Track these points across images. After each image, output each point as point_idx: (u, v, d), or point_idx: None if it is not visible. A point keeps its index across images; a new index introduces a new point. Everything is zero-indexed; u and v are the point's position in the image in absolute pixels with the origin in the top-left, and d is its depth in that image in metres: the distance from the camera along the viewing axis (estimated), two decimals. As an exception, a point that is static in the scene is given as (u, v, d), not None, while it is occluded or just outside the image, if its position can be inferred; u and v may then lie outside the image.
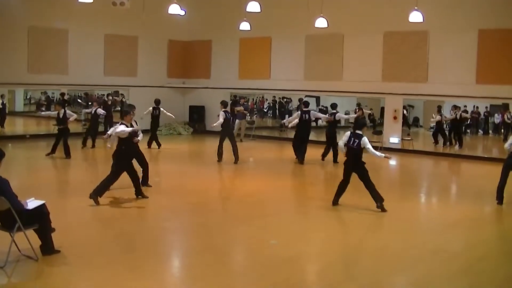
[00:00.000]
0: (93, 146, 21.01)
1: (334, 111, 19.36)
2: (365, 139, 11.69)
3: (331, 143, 19.02)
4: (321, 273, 8.31)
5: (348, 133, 11.93)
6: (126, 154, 12.02)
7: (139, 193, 12.26)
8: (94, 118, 21.14)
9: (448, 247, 9.55)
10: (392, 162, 19.03)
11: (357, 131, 11.81)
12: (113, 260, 8.28)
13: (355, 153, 11.75)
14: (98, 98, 26.70)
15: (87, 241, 9.20)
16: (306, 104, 19.31)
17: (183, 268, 8.50)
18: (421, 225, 11.50)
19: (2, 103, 28.31)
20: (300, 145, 18.89)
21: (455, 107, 24.98)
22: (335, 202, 12.18)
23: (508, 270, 8.49)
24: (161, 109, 21.49)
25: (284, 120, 20.53)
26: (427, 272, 8.19)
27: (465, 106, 33.84)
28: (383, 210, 11.66)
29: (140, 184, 12.43)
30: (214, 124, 17.84)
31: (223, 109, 18.07)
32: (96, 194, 11.56)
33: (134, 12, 24.38)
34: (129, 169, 12.04)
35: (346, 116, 21.53)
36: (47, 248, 8.14)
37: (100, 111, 20.93)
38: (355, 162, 11.82)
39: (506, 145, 12.64)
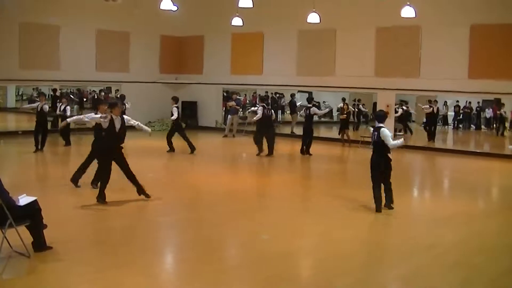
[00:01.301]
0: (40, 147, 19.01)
1: (310, 105, 19.49)
2: (384, 131, 10.98)
3: (306, 137, 19.47)
4: (314, 267, 8.28)
5: (371, 128, 11.54)
6: (107, 148, 11.54)
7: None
8: (41, 114, 18.85)
9: (441, 241, 9.54)
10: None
11: (379, 124, 11.19)
12: (106, 255, 8.23)
13: (377, 146, 11.16)
14: (66, 93, 26.02)
15: (79, 236, 9.14)
16: (309, 100, 20.12)
17: (176, 262, 8.45)
18: (415, 220, 11.48)
19: None
20: (304, 138, 19.49)
21: (430, 102, 25.39)
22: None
23: (502, 264, 8.47)
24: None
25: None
26: (421, 266, 8.18)
27: (457, 101, 34.07)
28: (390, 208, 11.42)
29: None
30: (255, 118, 18.76)
31: (261, 104, 18.85)
32: (100, 196, 11.35)
33: (126, 8, 24.35)
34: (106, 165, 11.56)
35: (319, 112, 21.19)
36: (39, 244, 8.07)
37: (46, 107, 19.17)
38: (379, 157, 11.21)
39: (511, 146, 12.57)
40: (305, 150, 19.30)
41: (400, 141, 11.20)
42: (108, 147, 11.51)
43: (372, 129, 11.45)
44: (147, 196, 11.80)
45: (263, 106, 18.92)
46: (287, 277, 7.65)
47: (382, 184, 11.27)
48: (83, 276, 7.39)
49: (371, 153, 11.43)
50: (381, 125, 11.14)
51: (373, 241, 9.50)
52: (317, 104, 31.91)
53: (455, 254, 8.87)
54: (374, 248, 9.11)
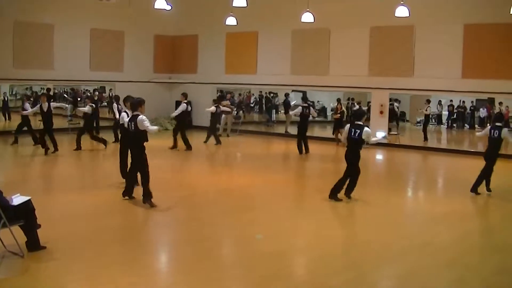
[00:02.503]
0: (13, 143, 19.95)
1: (306, 104, 19.82)
2: (367, 130, 11.77)
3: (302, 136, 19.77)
4: (308, 266, 8.29)
5: (348, 126, 12.02)
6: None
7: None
8: (23, 116, 19.69)
9: (435, 240, 9.57)
10: (379, 156, 19.09)
11: (357, 122, 11.91)
12: (101, 254, 8.20)
13: (355, 144, 11.86)
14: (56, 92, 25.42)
15: (73, 236, 9.12)
16: (305, 99, 20.49)
17: (170, 261, 8.45)
18: (409, 218, 11.52)
19: None
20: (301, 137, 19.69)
21: (429, 101, 25.44)
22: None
23: (495, 263, 8.50)
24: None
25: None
26: (415, 265, 8.20)
27: (451, 100, 34.14)
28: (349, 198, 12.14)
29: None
30: (292, 112, 19.84)
31: (303, 104, 19.44)
32: (147, 197, 11.29)
33: (120, 7, 24.29)
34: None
35: (292, 112, 21.62)
36: (33, 244, 8.05)
37: (28, 106, 19.30)
38: (353, 153, 11.94)
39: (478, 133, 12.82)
40: (304, 149, 19.41)
41: (380, 137, 12.61)
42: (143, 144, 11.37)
43: (348, 126, 12.00)
44: (132, 197, 11.75)
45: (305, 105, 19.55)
46: (281, 276, 7.66)
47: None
48: (77, 275, 7.37)
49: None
50: (360, 123, 11.87)
51: (367, 240, 9.51)
52: (311, 103, 32.00)
53: (449, 253, 8.89)
54: (367, 246, 9.11)
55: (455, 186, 14.98)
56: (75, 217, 10.56)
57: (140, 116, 11.05)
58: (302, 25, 22.00)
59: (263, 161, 18.75)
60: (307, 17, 19.90)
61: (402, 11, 17.89)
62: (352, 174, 12.10)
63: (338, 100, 24.90)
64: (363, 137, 11.70)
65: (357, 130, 11.72)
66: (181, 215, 11.10)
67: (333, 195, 12.08)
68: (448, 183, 16.17)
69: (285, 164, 18.78)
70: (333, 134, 23.83)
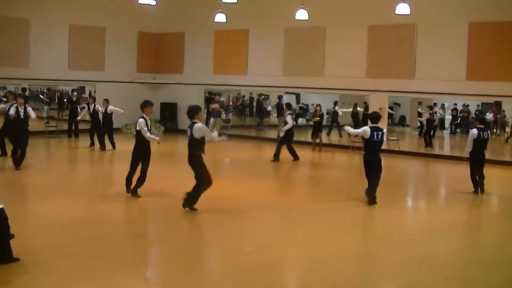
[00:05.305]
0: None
1: (290, 111, 20.07)
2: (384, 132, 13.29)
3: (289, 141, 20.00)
4: (301, 280, 8.30)
5: (367, 128, 12.93)
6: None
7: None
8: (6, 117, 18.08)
9: (435, 252, 9.62)
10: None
11: (375, 125, 12.90)
12: (78, 268, 8.18)
13: (378, 145, 12.97)
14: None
15: (49, 247, 9.08)
16: (289, 106, 20.77)
17: (153, 275, 8.44)
18: (407, 230, 11.57)
19: None
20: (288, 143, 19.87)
21: (431, 108, 25.61)
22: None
23: (497, 277, 8.56)
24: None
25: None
26: (413, 279, 8.24)
27: (455, 104, 34.26)
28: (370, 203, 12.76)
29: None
30: (284, 128, 19.54)
31: (288, 112, 19.63)
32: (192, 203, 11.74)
33: (102, 1, 24.24)
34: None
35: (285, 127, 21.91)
36: (5, 255, 8.03)
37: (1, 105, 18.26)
38: (377, 154, 12.96)
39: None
40: (293, 155, 19.52)
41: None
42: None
43: (369, 128, 12.85)
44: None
45: (290, 114, 19.71)
46: (271, 290, 7.70)
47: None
48: (52, 290, 7.38)
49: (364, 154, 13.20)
50: (378, 125, 12.92)
51: (364, 252, 9.56)
52: (305, 106, 32.12)
53: (449, 266, 8.94)
54: (364, 259, 9.16)
55: (456, 196, 15.02)
56: (50, 227, 10.53)
57: (197, 124, 11.51)
58: (295, 23, 22.05)
59: (253, 167, 18.78)
60: (301, 15, 19.95)
61: (402, 9, 17.97)
62: (377, 175, 12.94)
63: (335, 104, 24.95)
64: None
65: (379, 133, 12.74)
66: (164, 226, 11.10)
67: (374, 199, 12.83)
68: (448, 193, 16.21)
69: (276, 171, 18.81)
70: (311, 137, 23.61)
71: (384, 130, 13.08)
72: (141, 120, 12.56)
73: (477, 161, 14.43)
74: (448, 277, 8.40)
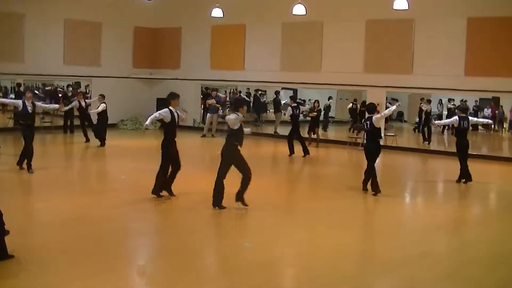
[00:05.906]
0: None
1: (295, 104, 20.31)
2: (376, 117, 13.46)
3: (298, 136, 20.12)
4: (299, 277, 8.27)
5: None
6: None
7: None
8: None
9: (433, 250, 9.61)
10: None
11: (369, 115, 13.67)
12: (74, 265, 8.15)
13: (371, 134, 13.61)
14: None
15: (45, 245, 9.06)
16: (294, 98, 21.08)
17: (150, 272, 8.40)
18: (406, 227, 11.54)
19: None
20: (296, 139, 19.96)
21: (429, 102, 25.61)
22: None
23: (497, 275, 8.54)
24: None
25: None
26: (412, 277, 8.23)
27: (453, 99, 34.22)
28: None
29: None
30: (285, 118, 20.26)
31: (294, 105, 19.94)
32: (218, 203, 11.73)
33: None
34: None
35: (284, 117, 22.17)
36: (0, 252, 8.00)
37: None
38: (373, 144, 13.63)
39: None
40: (303, 150, 19.63)
41: (393, 108, 14.70)
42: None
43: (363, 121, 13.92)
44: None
45: (295, 106, 20.01)
46: (271, 287, 7.66)
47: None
48: (48, 287, 7.34)
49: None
50: (371, 115, 13.57)
51: (362, 250, 9.54)
52: (302, 102, 32.04)
53: (449, 264, 8.92)
54: (363, 257, 9.15)
55: (455, 192, 15.03)
56: (47, 224, 10.51)
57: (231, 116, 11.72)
58: (293, 18, 22.04)
59: (250, 163, 18.70)
60: (299, 9, 19.93)
61: (400, 4, 17.93)
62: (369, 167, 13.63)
63: (331, 99, 24.97)
64: (374, 124, 13.33)
65: (367, 122, 13.52)
66: (161, 223, 11.08)
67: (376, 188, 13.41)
68: (447, 189, 16.19)
69: (273, 166, 18.79)
70: (308, 133, 23.60)
71: (373, 117, 13.43)
72: (166, 109, 13.06)
73: (460, 150, 15.45)
74: (447, 274, 8.37)
